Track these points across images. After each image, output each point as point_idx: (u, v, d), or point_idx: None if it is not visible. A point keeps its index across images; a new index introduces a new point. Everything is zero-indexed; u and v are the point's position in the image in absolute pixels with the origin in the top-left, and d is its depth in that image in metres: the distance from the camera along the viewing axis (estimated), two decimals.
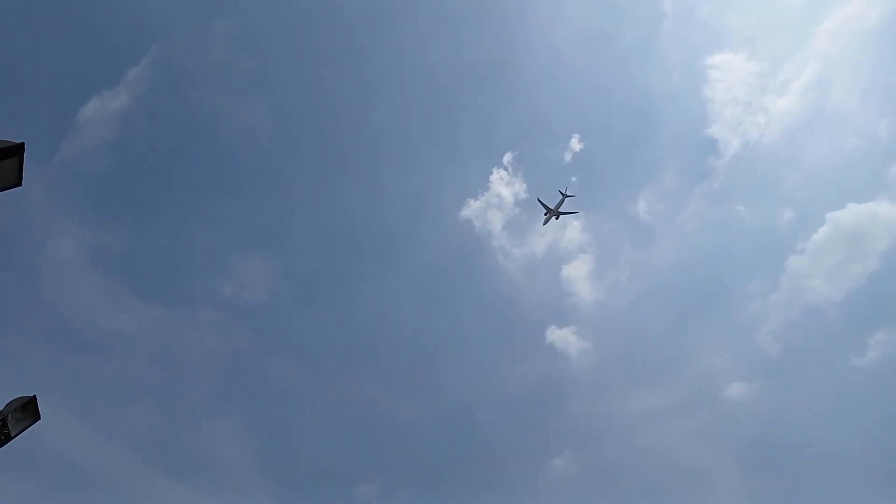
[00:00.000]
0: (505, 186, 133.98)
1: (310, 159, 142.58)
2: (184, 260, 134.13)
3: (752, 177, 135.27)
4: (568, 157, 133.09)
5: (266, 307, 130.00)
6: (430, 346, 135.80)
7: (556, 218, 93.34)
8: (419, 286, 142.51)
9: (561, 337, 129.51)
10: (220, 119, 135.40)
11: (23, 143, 9.98)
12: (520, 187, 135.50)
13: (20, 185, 10.36)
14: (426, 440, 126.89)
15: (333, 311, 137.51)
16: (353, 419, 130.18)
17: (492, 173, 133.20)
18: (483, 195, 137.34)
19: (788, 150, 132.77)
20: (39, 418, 11.66)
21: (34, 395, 11.45)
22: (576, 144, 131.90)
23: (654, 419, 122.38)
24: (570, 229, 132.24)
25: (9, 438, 11.11)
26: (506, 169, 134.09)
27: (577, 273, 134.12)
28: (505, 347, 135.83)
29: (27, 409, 11.36)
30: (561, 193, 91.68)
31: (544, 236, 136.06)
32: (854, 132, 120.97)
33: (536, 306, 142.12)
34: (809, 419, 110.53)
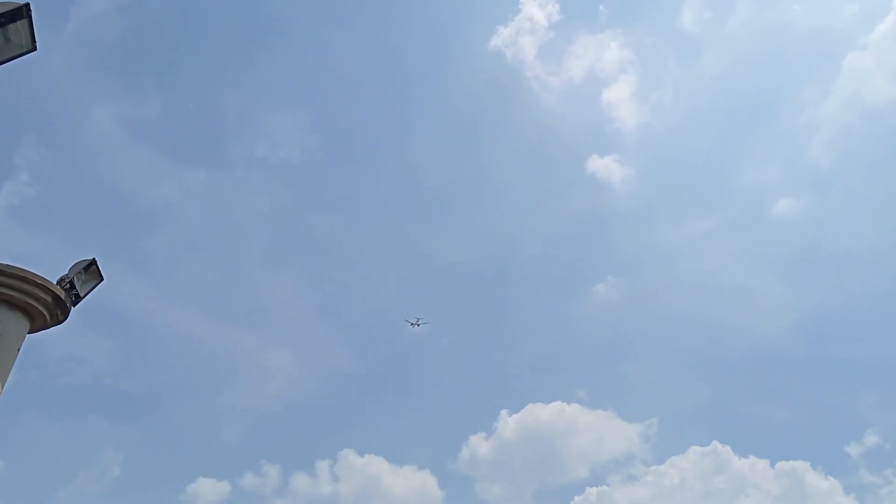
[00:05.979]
0: (537, 8, 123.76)
1: (323, 3, 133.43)
2: (214, 122, 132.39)
3: None
4: None
5: (302, 163, 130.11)
6: (470, 187, 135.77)
7: (418, 326, 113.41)
8: (452, 126, 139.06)
9: (603, 166, 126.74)
10: None
11: (28, 3, 9.40)
12: (553, 8, 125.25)
13: (35, 49, 9.88)
14: (472, 279, 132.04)
15: (368, 160, 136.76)
16: (401, 264, 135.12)
17: None
18: (513, 20, 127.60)
19: None
20: (103, 279, 12.25)
21: (94, 258, 11.95)
22: None
23: (699, 242, 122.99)
24: (609, 50, 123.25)
25: (79, 298, 11.79)
26: None
27: (619, 96, 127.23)
28: (545, 181, 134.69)
29: (90, 272, 11.88)
30: (416, 319, 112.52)
31: (582, 59, 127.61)
32: None
33: (576, 136, 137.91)
34: (861, 231, 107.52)
